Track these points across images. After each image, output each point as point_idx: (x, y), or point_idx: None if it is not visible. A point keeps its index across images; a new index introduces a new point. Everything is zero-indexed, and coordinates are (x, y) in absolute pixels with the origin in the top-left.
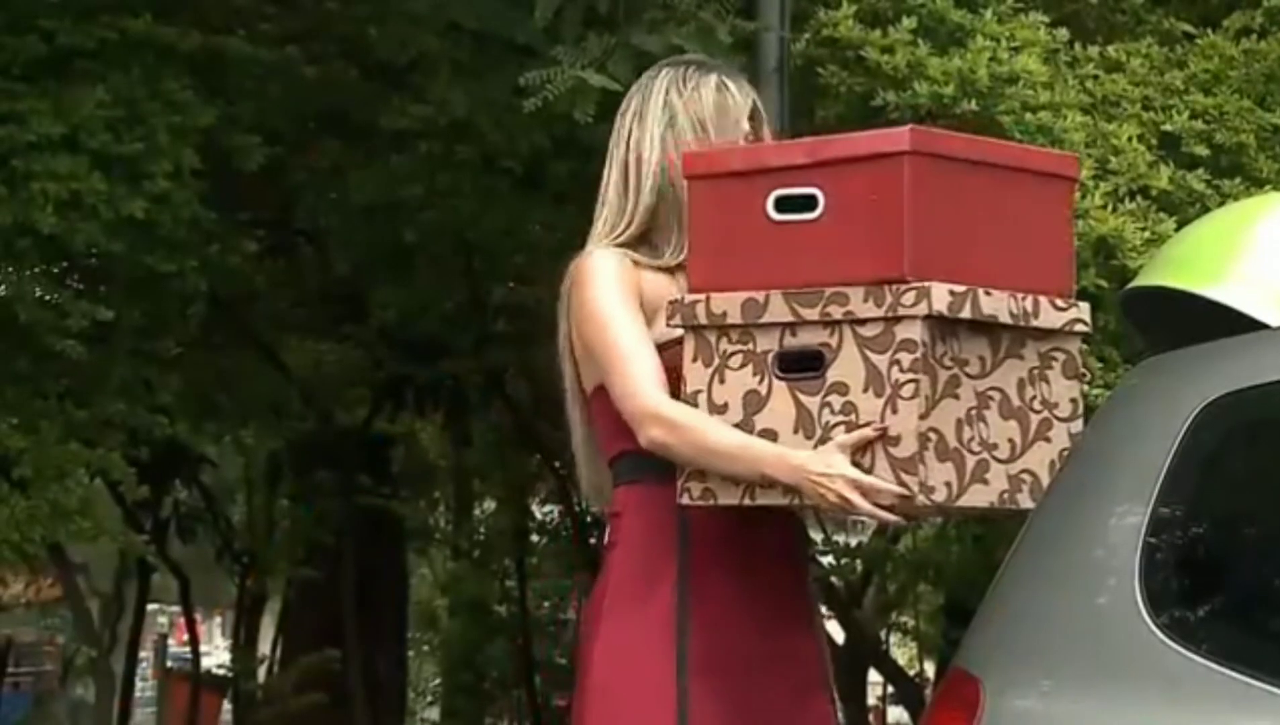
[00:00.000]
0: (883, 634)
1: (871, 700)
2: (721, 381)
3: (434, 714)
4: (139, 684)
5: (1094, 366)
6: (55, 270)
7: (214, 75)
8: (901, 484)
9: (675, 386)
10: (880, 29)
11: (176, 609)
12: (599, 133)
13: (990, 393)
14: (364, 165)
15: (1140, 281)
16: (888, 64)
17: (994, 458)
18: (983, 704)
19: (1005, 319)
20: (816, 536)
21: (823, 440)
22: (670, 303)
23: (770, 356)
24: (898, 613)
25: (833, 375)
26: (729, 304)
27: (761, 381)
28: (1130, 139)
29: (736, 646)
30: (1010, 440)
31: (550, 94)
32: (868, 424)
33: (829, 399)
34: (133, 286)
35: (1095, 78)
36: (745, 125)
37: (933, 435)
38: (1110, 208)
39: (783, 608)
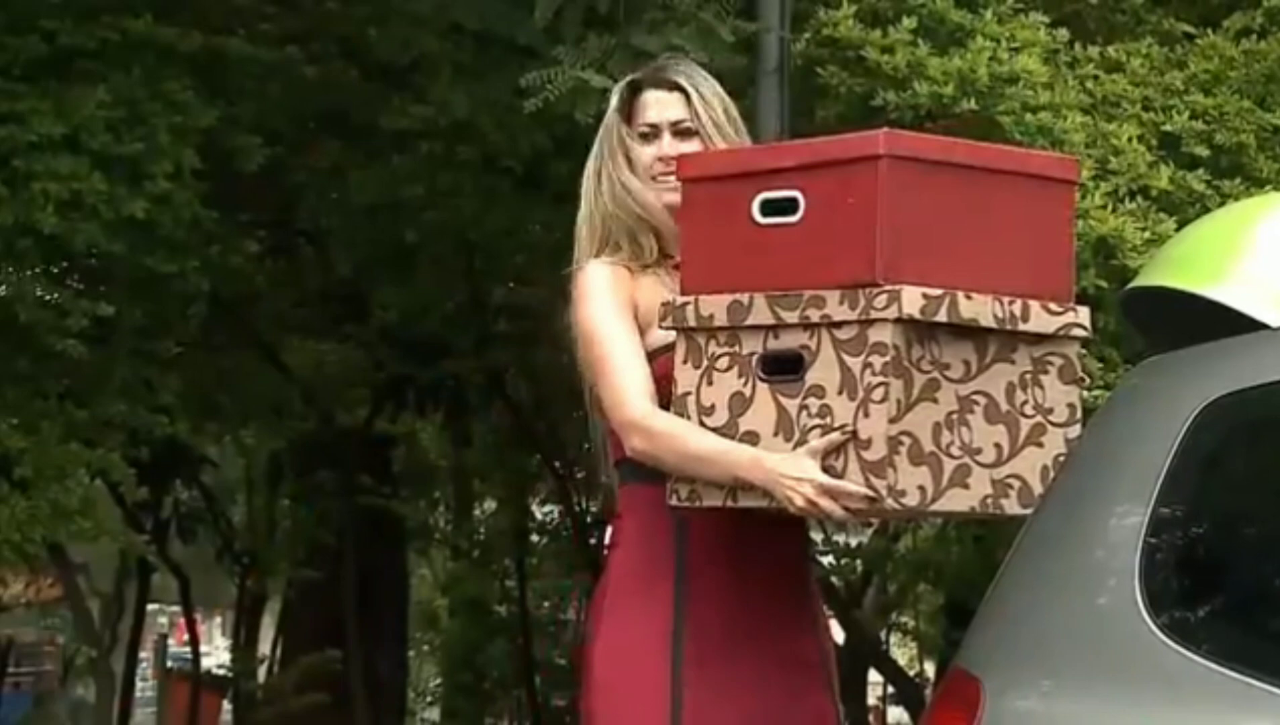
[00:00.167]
0: (883, 634)
1: (871, 700)
2: (710, 383)
3: (434, 714)
4: (139, 684)
5: (1094, 367)
6: (56, 270)
7: (215, 75)
8: (870, 487)
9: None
10: (880, 29)
11: (177, 609)
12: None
13: (975, 397)
14: (365, 165)
15: (1140, 281)
16: (888, 64)
17: (977, 462)
18: (983, 704)
19: (988, 323)
20: (817, 536)
21: (801, 442)
22: (663, 305)
23: (754, 359)
24: (898, 613)
25: (811, 378)
26: (716, 306)
27: (746, 384)
28: (1130, 139)
29: (733, 647)
30: (996, 445)
31: (551, 94)
32: (842, 427)
33: (807, 402)
34: (133, 287)
35: (1095, 78)
36: (652, 114)
37: (905, 439)
38: (1110, 208)
39: (783, 609)
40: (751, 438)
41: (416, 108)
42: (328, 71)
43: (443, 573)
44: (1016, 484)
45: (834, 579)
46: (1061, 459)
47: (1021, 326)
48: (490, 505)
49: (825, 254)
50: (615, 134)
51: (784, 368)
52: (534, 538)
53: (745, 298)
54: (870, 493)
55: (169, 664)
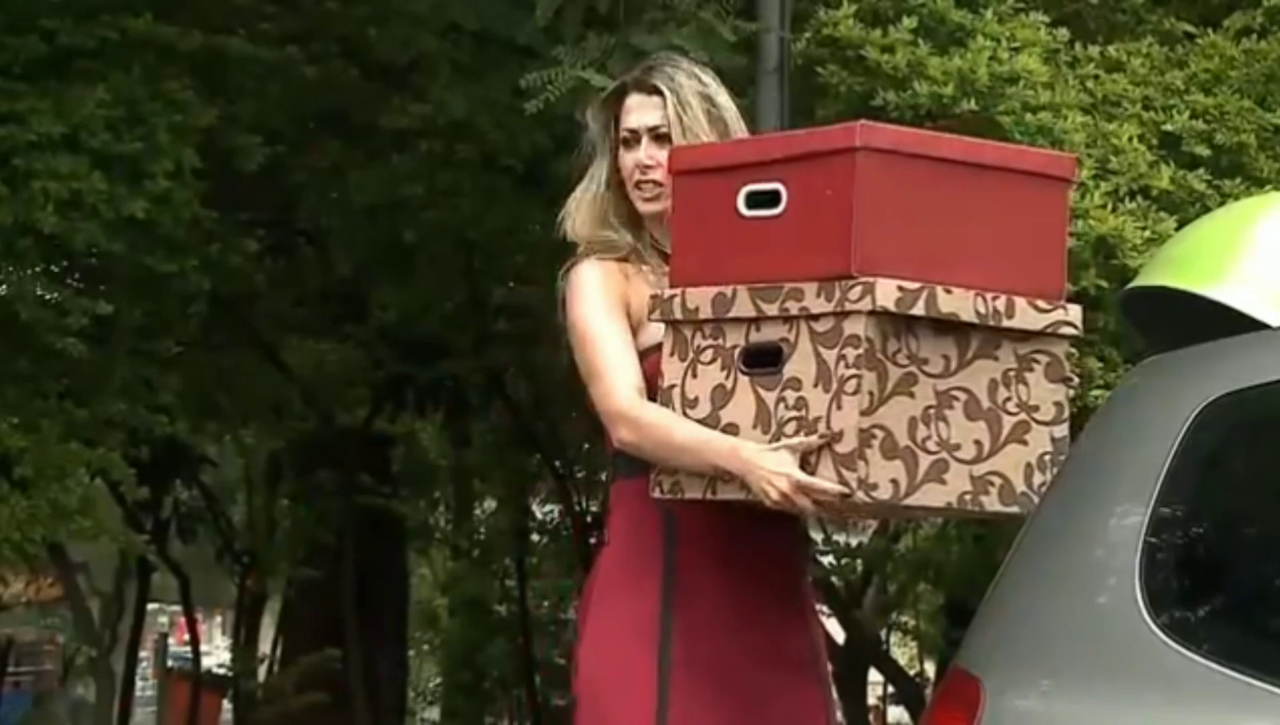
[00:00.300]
0: (883, 634)
1: (871, 700)
2: (694, 376)
3: (434, 714)
4: (139, 683)
5: (1094, 367)
6: (56, 269)
7: (214, 75)
8: (841, 479)
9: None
10: (880, 29)
11: (177, 608)
12: None
13: (954, 392)
14: (364, 165)
15: (1140, 281)
16: (888, 64)
17: (955, 458)
18: (983, 704)
19: (969, 318)
20: (817, 536)
21: (777, 435)
22: (651, 297)
23: (736, 351)
24: (898, 613)
25: (789, 370)
26: (701, 299)
27: (728, 376)
28: (1131, 139)
29: (720, 643)
30: (977, 441)
31: (551, 95)
32: (816, 419)
33: (784, 394)
34: (133, 286)
35: (1096, 78)
36: (632, 119)
37: (878, 432)
38: (1110, 208)
39: (773, 605)
40: (732, 430)
41: (416, 107)
42: (328, 71)
43: (443, 573)
44: (998, 481)
45: (834, 579)
46: (1048, 458)
47: (1006, 322)
48: (490, 505)
49: (805, 246)
50: (601, 143)
51: (764, 360)
52: (534, 537)
53: (729, 290)
54: (843, 490)
55: (169, 663)
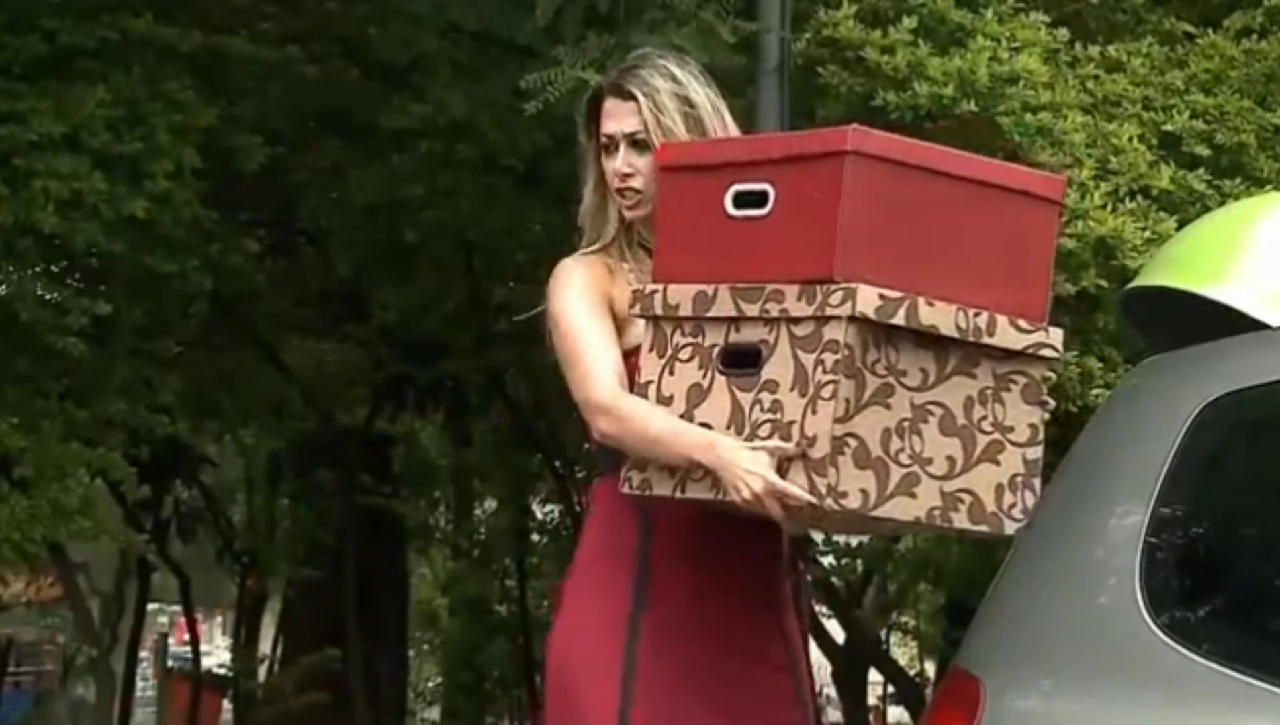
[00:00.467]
0: (883, 634)
1: (871, 700)
2: (671, 373)
3: (434, 714)
4: (139, 683)
5: (1094, 367)
6: (56, 269)
7: (215, 75)
8: (811, 486)
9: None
10: (880, 29)
11: (177, 608)
12: None
13: (930, 407)
14: (365, 165)
15: (1140, 281)
16: (888, 64)
17: (927, 472)
18: (983, 704)
19: (949, 332)
20: (817, 536)
21: (751, 437)
22: (633, 291)
23: (715, 351)
24: (898, 613)
25: (766, 372)
26: (682, 296)
27: (705, 376)
28: (1131, 139)
29: (691, 642)
30: (949, 457)
31: (551, 95)
32: (790, 423)
33: (760, 396)
34: (133, 286)
35: (1096, 78)
36: (610, 125)
37: (851, 441)
38: (1110, 208)
39: (748, 607)
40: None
41: (416, 107)
42: (328, 71)
43: (443, 573)
44: (968, 499)
45: (834, 579)
46: (1019, 479)
47: (986, 340)
48: (490, 505)
49: (789, 248)
50: (582, 147)
51: (743, 361)
52: (534, 537)
53: (710, 289)
54: (811, 499)
55: (169, 663)
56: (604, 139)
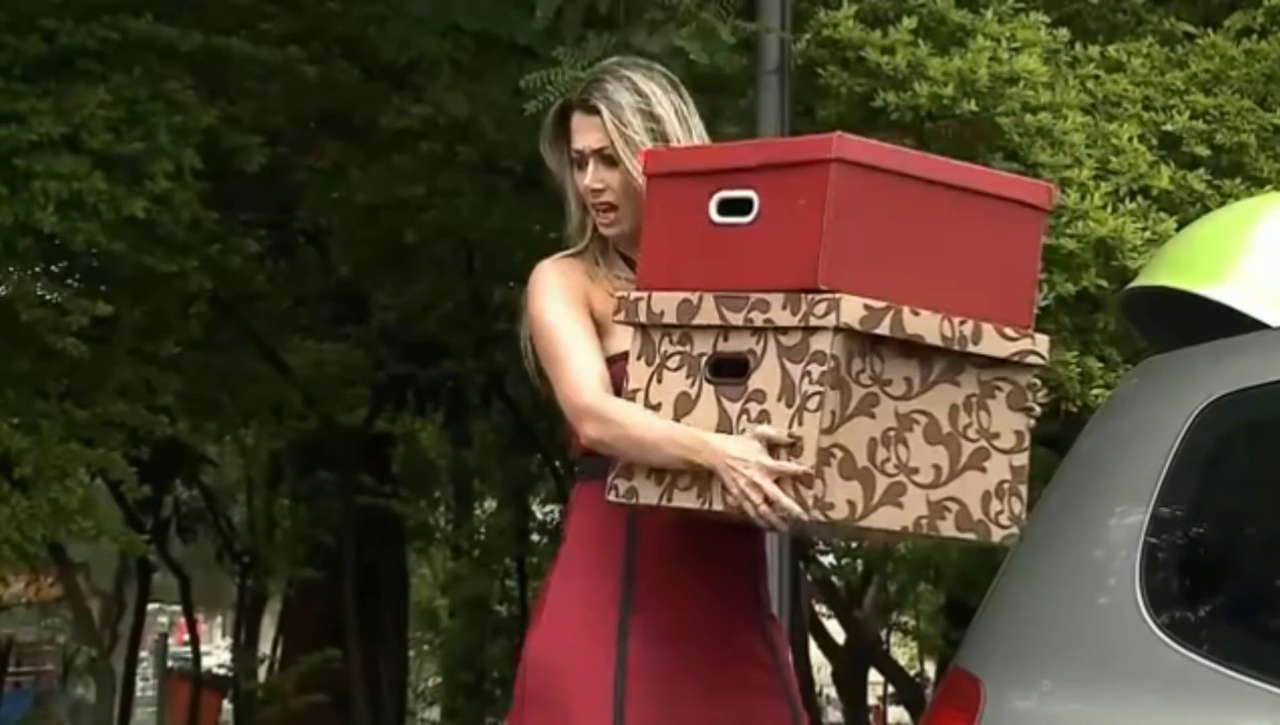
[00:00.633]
0: (883, 634)
1: (871, 700)
2: (659, 381)
3: (434, 714)
4: (139, 684)
5: (1094, 367)
6: (56, 269)
7: (215, 75)
8: (797, 497)
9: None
10: (880, 29)
11: (177, 608)
12: None
13: (915, 416)
14: (365, 165)
15: (1140, 281)
16: (888, 64)
17: (913, 481)
18: (983, 704)
19: (934, 341)
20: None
21: None
22: (618, 298)
23: (704, 360)
24: (898, 613)
25: (754, 382)
26: (667, 303)
27: (693, 384)
28: (1131, 139)
29: (679, 648)
30: (935, 466)
31: (551, 95)
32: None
33: (748, 406)
34: (133, 286)
35: (1096, 78)
36: (578, 141)
37: (837, 452)
38: (1110, 208)
39: (733, 614)
40: None
41: (416, 107)
42: (328, 71)
43: (443, 573)
44: (954, 507)
45: (834, 579)
46: (1006, 486)
47: (971, 348)
48: (490, 505)
49: (773, 256)
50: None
51: (731, 371)
52: (534, 537)
53: (695, 297)
54: (796, 508)
55: (169, 664)
56: (574, 154)
